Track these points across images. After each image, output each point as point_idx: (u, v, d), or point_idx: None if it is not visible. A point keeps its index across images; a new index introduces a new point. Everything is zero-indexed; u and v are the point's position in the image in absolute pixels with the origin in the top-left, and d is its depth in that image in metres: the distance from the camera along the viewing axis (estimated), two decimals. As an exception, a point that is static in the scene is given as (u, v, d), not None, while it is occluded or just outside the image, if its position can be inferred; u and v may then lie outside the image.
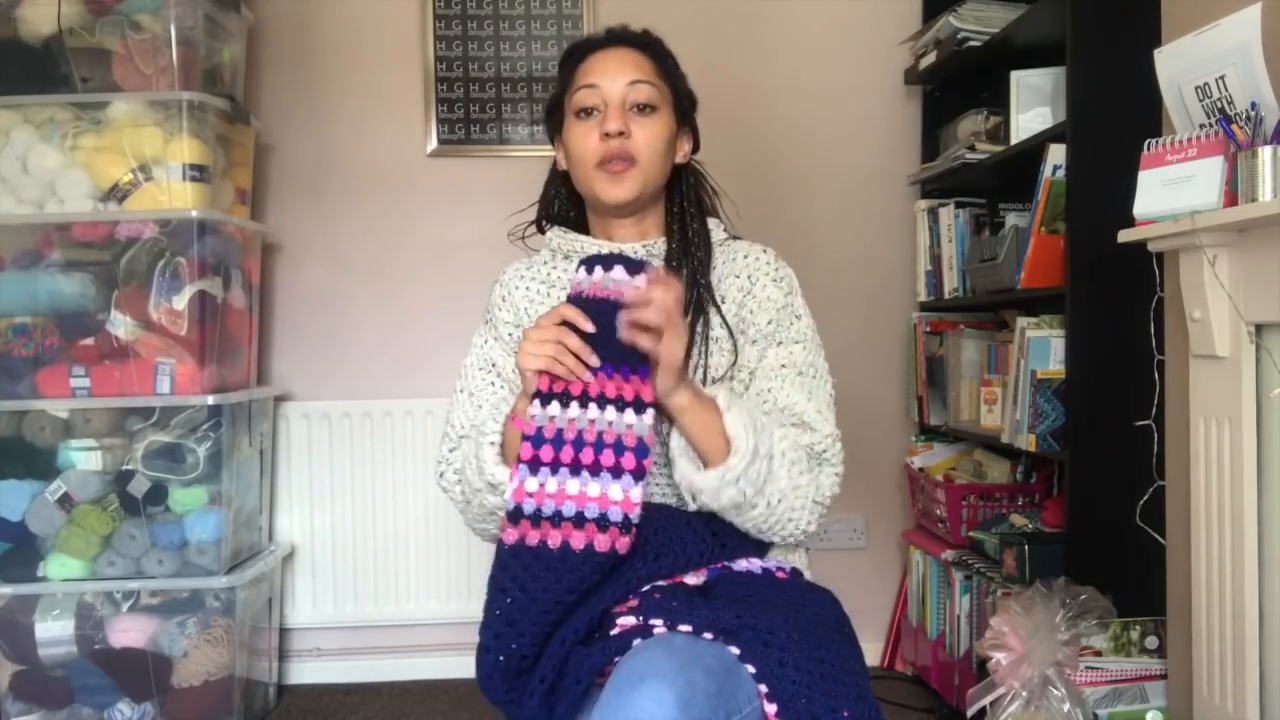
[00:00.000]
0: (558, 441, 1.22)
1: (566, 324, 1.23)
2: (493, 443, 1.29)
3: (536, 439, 1.22)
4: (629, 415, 1.22)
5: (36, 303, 2.34)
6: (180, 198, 2.31)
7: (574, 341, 1.22)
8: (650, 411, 1.24)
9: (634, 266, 1.24)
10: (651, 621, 1.17)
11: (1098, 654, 1.94)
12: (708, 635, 1.16)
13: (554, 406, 1.22)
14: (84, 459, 2.35)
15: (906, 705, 2.57)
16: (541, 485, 1.21)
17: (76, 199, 2.33)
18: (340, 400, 2.78)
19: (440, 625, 2.81)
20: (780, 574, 1.36)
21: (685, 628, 1.16)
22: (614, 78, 1.37)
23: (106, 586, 2.32)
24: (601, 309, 1.23)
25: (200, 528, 2.35)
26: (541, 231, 1.52)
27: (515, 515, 1.22)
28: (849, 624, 1.29)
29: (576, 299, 1.25)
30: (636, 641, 1.15)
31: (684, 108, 1.45)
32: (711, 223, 1.47)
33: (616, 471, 1.21)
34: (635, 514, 1.21)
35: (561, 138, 1.44)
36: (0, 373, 2.33)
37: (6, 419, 2.35)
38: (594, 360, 1.23)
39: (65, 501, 2.32)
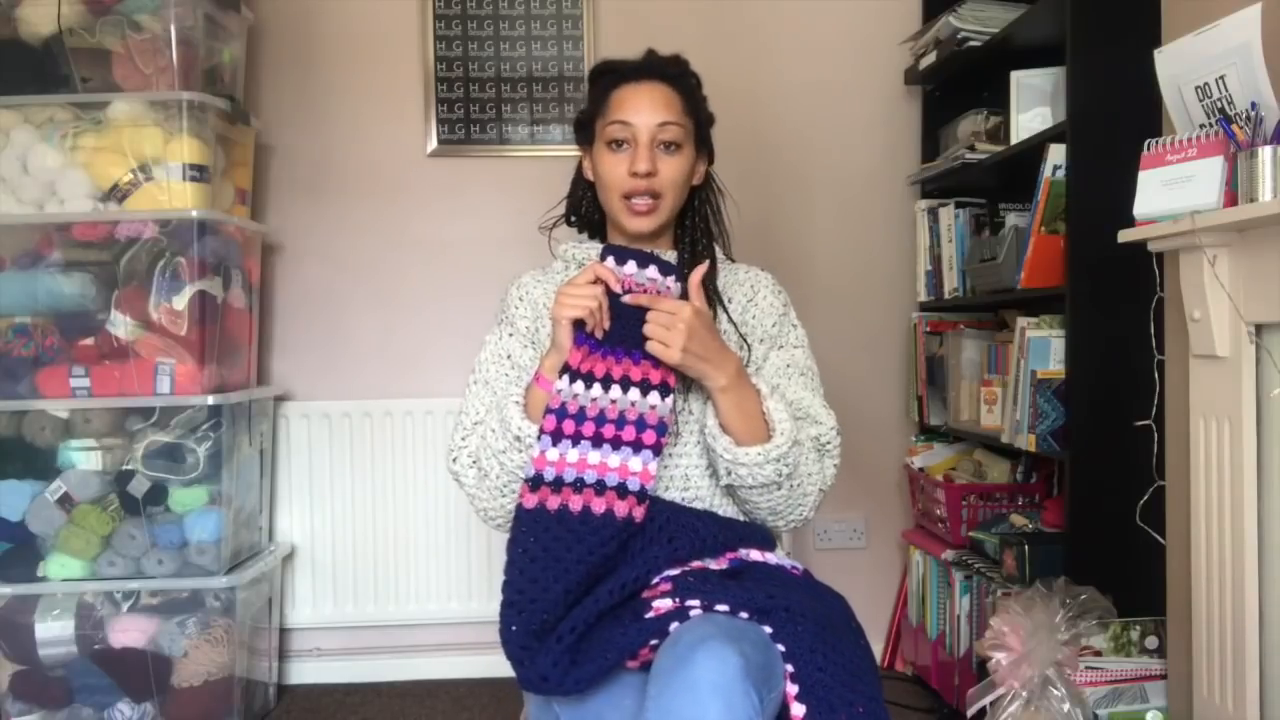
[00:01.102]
0: (580, 417, 1.32)
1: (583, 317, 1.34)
2: (517, 402, 1.38)
3: (560, 412, 1.33)
4: (652, 397, 1.34)
5: (36, 303, 2.34)
6: (180, 198, 2.31)
7: (603, 302, 1.33)
8: (672, 396, 1.35)
9: (667, 268, 1.38)
10: (688, 602, 1.22)
11: (1098, 654, 1.94)
12: (743, 615, 1.22)
13: (579, 385, 1.33)
14: (84, 459, 2.35)
15: (906, 705, 2.56)
16: (562, 455, 1.31)
17: (76, 199, 2.33)
18: (340, 400, 2.78)
19: (440, 625, 2.81)
20: (795, 571, 1.41)
21: (722, 607, 1.22)
22: (646, 116, 1.46)
23: (106, 586, 2.32)
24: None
25: (200, 528, 2.35)
26: (570, 225, 1.62)
27: (535, 482, 1.31)
28: (864, 634, 1.32)
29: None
30: (674, 625, 1.20)
31: (704, 136, 1.54)
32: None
33: (637, 446, 1.32)
34: (651, 486, 1.33)
35: (591, 152, 1.52)
36: (0, 373, 2.33)
37: (6, 419, 2.35)
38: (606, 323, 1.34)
39: (65, 501, 2.32)
